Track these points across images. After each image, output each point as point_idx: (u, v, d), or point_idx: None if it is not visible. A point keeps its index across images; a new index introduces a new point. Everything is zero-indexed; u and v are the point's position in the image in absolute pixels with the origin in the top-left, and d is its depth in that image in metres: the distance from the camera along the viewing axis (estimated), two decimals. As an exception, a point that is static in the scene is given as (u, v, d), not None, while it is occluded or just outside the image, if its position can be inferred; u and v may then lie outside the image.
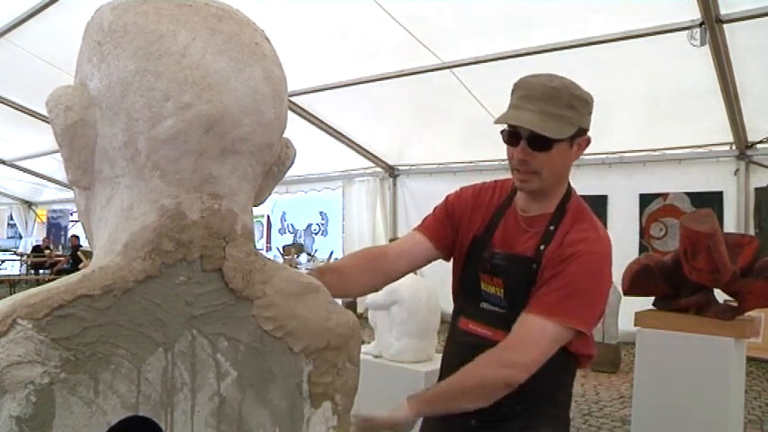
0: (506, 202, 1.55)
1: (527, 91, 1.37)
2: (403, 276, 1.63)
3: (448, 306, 1.64)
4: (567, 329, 1.34)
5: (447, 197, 1.65)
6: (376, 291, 1.75)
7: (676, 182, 6.21)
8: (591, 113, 1.40)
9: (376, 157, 8.00)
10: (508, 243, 1.50)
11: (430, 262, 1.63)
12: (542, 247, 1.42)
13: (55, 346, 0.68)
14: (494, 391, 1.33)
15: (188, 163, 0.79)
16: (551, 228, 1.44)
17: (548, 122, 1.32)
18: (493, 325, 1.49)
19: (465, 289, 1.58)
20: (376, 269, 1.56)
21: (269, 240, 12.32)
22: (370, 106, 6.60)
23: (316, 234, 11.59)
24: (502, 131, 1.42)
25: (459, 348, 1.56)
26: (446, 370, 1.53)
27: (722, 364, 2.82)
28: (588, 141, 1.44)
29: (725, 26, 4.18)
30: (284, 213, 12.14)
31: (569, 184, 1.51)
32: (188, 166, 0.79)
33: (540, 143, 1.35)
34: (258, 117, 0.81)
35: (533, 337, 1.33)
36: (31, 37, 5.61)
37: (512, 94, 1.41)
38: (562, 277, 1.35)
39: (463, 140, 6.83)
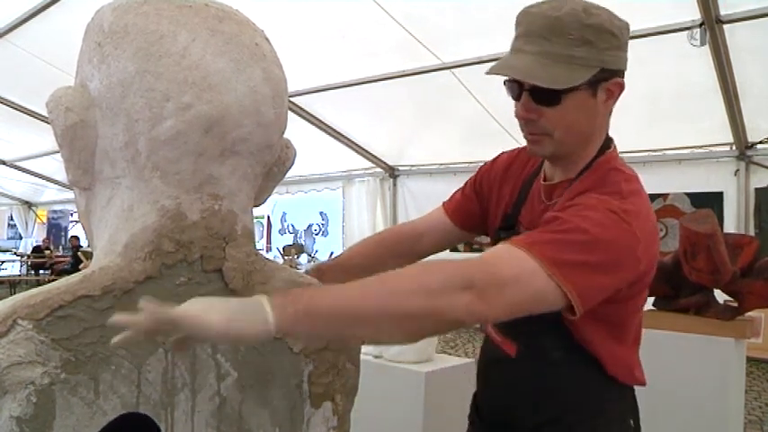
0: (536, 169, 1.23)
1: (527, 26, 1.06)
2: (430, 255, 1.38)
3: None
4: (553, 285, 0.90)
5: (481, 166, 1.36)
6: None
7: (676, 182, 6.19)
8: (621, 47, 1.08)
9: (376, 157, 7.99)
10: (533, 221, 1.15)
11: (459, 240, 1.38)
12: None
13: (55, 346, 0.69)
14: (432, 326, 0.86)
15: (188, 163, 0.79)
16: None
17: (549, 68, 1.02)
18: (503, 331, 1.21)
19: None
20: (399, 252, 1.33)
21: (269, 241, 12.32)
22: (370, 106, 6.59)
23: (316, 234, 11.59)
24: (505, 82, 1.11)
25: (483, 355, 1.32)
26: (477, 375, 1.32)
27: (722, 364, 2.81)
28: (621, 86, 1.10)
29: (725, 26, 4.18)
30: (284, 214, 12.15)
31: (608, 139, 1.15)
32: (188, 167, 0.79)
33: (544, 96, 1.04)
34: (258, 118, 0.81)
35: (509, 263, 0.90)
36: (31, 37, 5.60)
37: (514, 30, 1.11)
38: (560, 222, 0.98)
39: (463, 140, 6.82)
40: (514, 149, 1.32)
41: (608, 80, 1.07)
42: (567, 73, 1.02)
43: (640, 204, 1.04)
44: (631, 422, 1.20)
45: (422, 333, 0.86)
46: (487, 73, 1.09)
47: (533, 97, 1.05)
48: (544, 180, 1.19)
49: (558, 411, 1.11)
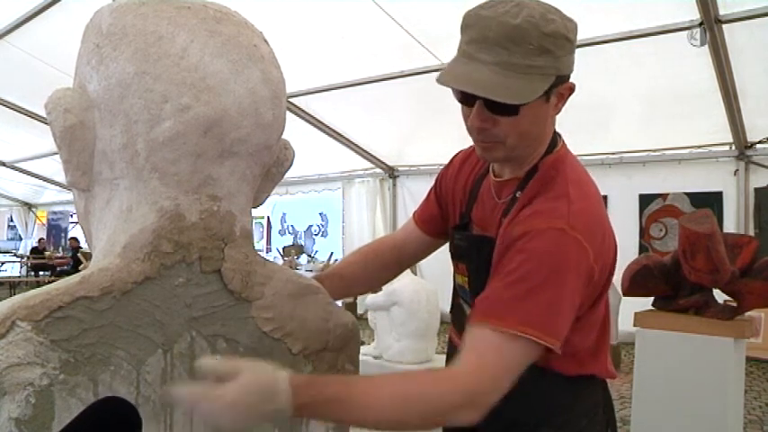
0: (487, 166, 1.21)
1: (481, 31, 0.99)
2: (414, 263, 1.44)
3: (448, 307, 1.52)
4: (529, 343, 0.95)
5: (440, 170, 1.37)
6: (386, 283, 1.44)
7: (676, 182, 6.21)
8: (573, 50, 1.04)
9: (376, 157, 8.00)
10: (485, 220, 1.17)
11: (434, 248, 1.39)
12: (504, 221, 1.09)
13: (54, 347, 0.68)
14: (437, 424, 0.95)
15: (187, 164, 0.79)
16: (517, 194, 1.10)
17: (511, 81, 0.97)
18: (462, 333, 1.17)
19: (453, 284, 1.30)
20: (387, 263, 1.38)
21: (269, 241, 12.31)
22: (370, 107, 6.60)
23: (316, 235, 11.58)
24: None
25: (448, 360, 1.31)
26: None
27: (722, 364, 2.81)
28: (571, 89, 1.08)
29: (724, 26, 4.19)
30: (284, 214, 12.13)
31: (556, 136, 1.15)
32: (187, 168, 0.79)
33: (502, 106, 1.00)
34: (257, 119, 0.81)
35: (489, 360, 0.95)
36: (30, 38, 5.61)
37: (461, 32, 1.04)
38: (510, 271, 0.99)
39: (463, 141, 6.76)
40: (469, 147, 1.29)
41: (560, 85, 1.04)
42: (527, 85, 0.99)
43: (589, 209, 1.05)
44: (603, 414, 1.21)
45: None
46: (440, 82, 1.03)
47: (489, 107, 1.01)
48: (494, 176, 1.18)
49: (522, 413, 1.10)
